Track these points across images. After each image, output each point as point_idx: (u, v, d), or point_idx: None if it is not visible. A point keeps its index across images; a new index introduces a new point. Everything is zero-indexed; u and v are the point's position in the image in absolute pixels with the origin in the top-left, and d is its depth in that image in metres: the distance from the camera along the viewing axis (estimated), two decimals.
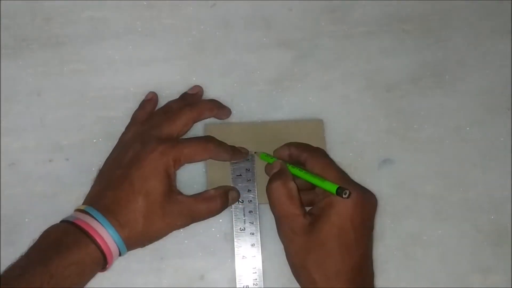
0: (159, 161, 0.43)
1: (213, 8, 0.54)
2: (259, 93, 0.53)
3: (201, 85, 0.52)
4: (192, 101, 0.50)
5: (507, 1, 0.56)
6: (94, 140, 0.51)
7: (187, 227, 0.46)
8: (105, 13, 0.54)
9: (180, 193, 0.45)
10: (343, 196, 0.40)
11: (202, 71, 0.53)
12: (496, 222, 0.50)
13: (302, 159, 0.45)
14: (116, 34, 0.53)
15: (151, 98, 0.51)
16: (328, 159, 0.45)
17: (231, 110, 0.51)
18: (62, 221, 0.42)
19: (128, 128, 0.49)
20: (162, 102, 0.51)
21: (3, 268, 0.47)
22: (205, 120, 0.51)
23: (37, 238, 0.41)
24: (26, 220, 0.49)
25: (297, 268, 0.43)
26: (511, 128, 0.53)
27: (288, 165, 0.45)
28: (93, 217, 0.41)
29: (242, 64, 0.53)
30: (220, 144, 0.47)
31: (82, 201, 0.48)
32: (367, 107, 0.53)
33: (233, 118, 0.52)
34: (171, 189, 0.44)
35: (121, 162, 0.44)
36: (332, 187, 0.41)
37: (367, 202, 0.43)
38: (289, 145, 0.47)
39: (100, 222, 0.41)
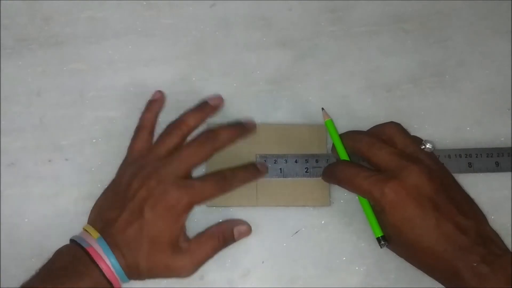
0: (173, 208, 0.43)
1: (213, 8, 0.54)
2: (259, 93, 0.53)
3: (200, 85, 0.52)
4: (210, 112, 0.49)
5: (507, 1, 0.56)
6: (94, 140, 0.51)
7: (186, 227, 0.46)
8: (105, 13, 0.54)
9: (186, 240, 0.44)
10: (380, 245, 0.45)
11: (202, 71, 0.53)
12: (496, 222, 0.50)
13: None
14: (115, 34, 0.53)
15: (158, 98, 0.50)
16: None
17: (231, 109, 0.51)
18: (74, 241, 0.42)
19: (138, 136, 0.48)
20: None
21: (3, 268, 0.47)
22: (207, 119, 0.50)
23: (50, 257, 0.42)
24: (26, 220, 0.49)
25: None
26: (511, 128, 0.52)
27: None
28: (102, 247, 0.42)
29: (242, 64, 0.53)
30: (233, 175, 0.46)
31: (81, 202, 0.49)
32: (367, 107, 0.53)
33: (232, 118, 0.51)
34: (178, 238, 0.44)
35: (135, 195, 0.43)
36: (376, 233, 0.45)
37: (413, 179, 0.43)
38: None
39: (108, 256, 0.41)
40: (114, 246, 0.42)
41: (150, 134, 0.48)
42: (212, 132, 0.46)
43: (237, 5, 0.54)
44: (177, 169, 0.44)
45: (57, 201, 0.49)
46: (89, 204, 0.49)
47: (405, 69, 0.54)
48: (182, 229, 0.44)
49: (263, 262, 0.48)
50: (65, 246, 0.43)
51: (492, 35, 0.55)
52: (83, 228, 0.44)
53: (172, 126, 0.47)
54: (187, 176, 0.45)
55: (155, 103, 0.50)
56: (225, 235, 0.46)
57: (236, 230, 0.46)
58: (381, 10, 0.55)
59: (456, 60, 0.54)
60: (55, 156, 0.50)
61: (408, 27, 0.55)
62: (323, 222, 0.49)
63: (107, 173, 0.50)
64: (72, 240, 0.43)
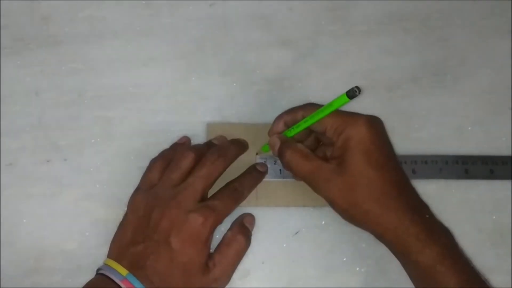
0: (199, 233, 0.42)
1: (212, 7, 0.54)
2: (259, 93, 0.52)
3: (200, 85, 0.52)
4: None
5: (508, 1, 0.56)
6: (93, 140, 0.50)
7: None
8: (104, 12, 0.54)
9: (211, 257, 0.44)
10: (356, 93, 0.40)
11: (201, 71, 0.53)
12: (498, 222, 0.50)
13: (298, 118, 0.46)
14: (114, 33, 0.53)
15: (183, 143, 0.49)
16: (321, 105, 0.45)
17: (231, 109, 0.51)
18: (102, 274, 0.42)
19: (154, 167, 0.47)
20: (160, 102, 0.51)
21: (3, 269, 0.47)
22: (207, 119, 0.51)
23: None
24: (24, 220, 0.49)
25: (348, 210, 0.43)
26: (511, 128, 0.52)
27: (284, 133, 0.46)
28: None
29: (242, 63, 0.53)
30: (241, 185, 0.46)
31: (80, 202, 0.48)
32: (368, 106, 0.52)
33: (232, 118, 0.51)
34: (206, 260, 0.43)
35: (158, 226, 0.43)
36: (341, 98, 0.41)
37: (375, 121, 0.44)
38: (280, 115, 0.47)
39: None
40: (145, 280, 0.41)
41: (165, 169, 0.46)
42: (221, 149, 0.46)
43: (237, 4, 0.54)
44: (195, 193, 0.44)
45: (55, 202, 0.49)
46: (88, 204, 0.49)
47: (406, 69, 0.54)
48: (209, 249, 0.44)
49: (263, 263, 0.48)
50: (96, 279, 0.42)
51: (493, 34, 0.55)
52: (106, 263, 0.43)
53: (183, 149, 0.47)
54: (205, 197, 0.45)
55: (181, 146, 0.49)
56: (242, 233, 0.46)
57: (247, 223, 0.47)
58: (381, 9, 0.55)
59: (457, 59, 0.54)
60: (54, 156, 0.50)
61: (409, 26, 0.55)
62: (323, 222, 0.49)
63: (106, 173, 0.50)
64: (101, 274, 0.42)
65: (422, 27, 0.55)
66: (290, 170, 0.45)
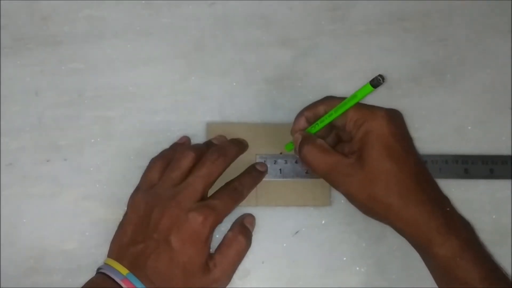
0: (199, 233, 0.42)
1: (212, 6, 0.54)
2: (258, 92, 0.52)
3: (200, 85, 0.52)
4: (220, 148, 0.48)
5: (508, 1, 0.56)
6: (92, 140, 0.50)
7: None
8: (104, 12, 0.54)
9: (211, 256, 0.44)
10: (381, 82, 0.40)
11: (201, 70, 0.53)
12: (498, 222, 0.50)
13: (321, 113, 0.46)
14: (114, 33, 0.53)
15: (183, 143, 0.49)
16: (342, 98, 0.45)
17: (231, 109, 0.51)
18: (102, 273, 0.42)
19: (154, 166, 0.47)
20: (160, 102, 0.51)
21: (3, 269, 0.47)
22: (207, 119, 0.51)
23: None
24: (24, 220, 0.49)
25: (368, 204, 0.43)
26: (511, 128, 0.52)
27: (308, 129, 0.46)
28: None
29: (242, 63, 0.53)
30: (241, 184, 0.46)
31: (80, 202, 0.48)
32: None
33: (232, 117, 0.51)
34: (207, 260, 0.43)
35: (158, 225, 0.43)
36: (365, 88, 0.41)
37: (395, 115, 0.44)
38: (301, 112, 0.47)
39: None
40: (146, 280, 0.41)
41: (165, 168, 0.46)
42: (221, 149, 0.46)
43: (237, 4, 0.54)
44: (195, 192, 0.44)
45: (55, 201, 0.49)
46: (88, 204, 0.49)
47: (405, 68, 0.54)
48: (209, 249, 0.44)
49: (263, 263, 0.48)
50: (96, 278, 0.42)
51: (492, 34, 0.55)
52: (106, 263, 0.43)
53: (183, 148, 0.47)
54: (205, 196, 0.45)
55: (180, 146, 0.49)
56: (242, 234, 0.46)
57: (247, 224, 0.47)
58: (381, 8, 0.55)
59: (457, 58, 0.54)
60: (54, 156, 0.50)
61: (409, 26, 0.55)
62: (323, 222, 0.49)
63: (106, 173, 0.50)
64: (101, 273, 0.42)
65: (422, 27, 0.55)
66: (309, 165, 0.45)
